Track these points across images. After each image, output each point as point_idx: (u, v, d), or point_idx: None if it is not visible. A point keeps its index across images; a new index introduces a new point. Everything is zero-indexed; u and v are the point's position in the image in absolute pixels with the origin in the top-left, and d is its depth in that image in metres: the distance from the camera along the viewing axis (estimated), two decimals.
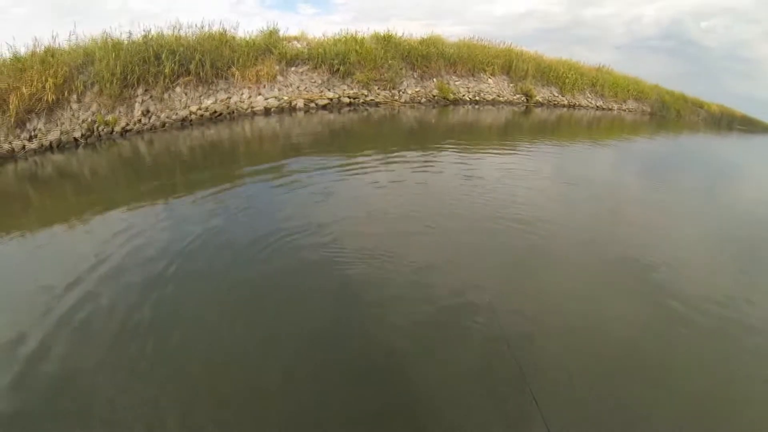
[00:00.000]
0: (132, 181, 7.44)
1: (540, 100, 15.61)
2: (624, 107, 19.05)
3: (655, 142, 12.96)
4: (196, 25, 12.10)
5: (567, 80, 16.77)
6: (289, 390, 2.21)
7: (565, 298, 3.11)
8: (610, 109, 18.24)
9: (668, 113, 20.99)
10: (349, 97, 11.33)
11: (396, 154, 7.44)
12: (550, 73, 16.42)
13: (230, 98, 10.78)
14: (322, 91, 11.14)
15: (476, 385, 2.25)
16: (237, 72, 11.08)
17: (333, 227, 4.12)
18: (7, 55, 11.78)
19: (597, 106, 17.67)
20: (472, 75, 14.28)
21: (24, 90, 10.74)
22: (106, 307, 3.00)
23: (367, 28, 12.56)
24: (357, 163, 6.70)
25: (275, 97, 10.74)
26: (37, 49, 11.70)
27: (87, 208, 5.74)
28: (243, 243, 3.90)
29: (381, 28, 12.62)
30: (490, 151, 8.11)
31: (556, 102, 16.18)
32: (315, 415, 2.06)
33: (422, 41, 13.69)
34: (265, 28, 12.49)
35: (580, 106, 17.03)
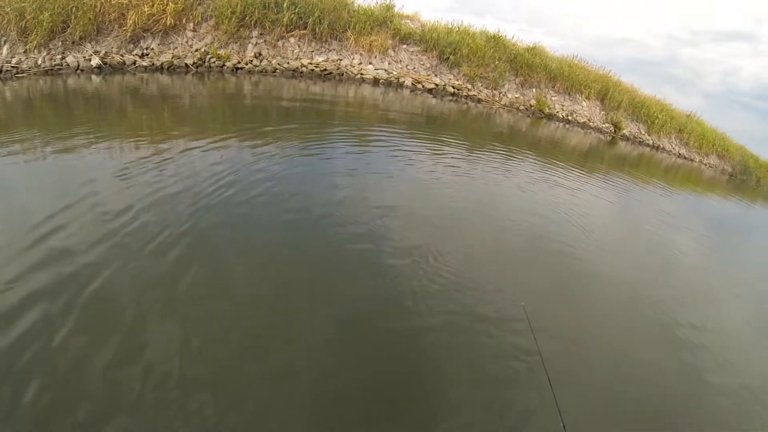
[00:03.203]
0: (224, 117, 7.62)
1: (627, 133, 15.23)
2: (705, 161, 18.39)
3: (727, 204, 12.55)
4: None
5: (657, 120, 16.29)
6: (313, 374, 2.20)
7: (600, 329, 3.16)
8: (692, 160, 17.65)
9: (749, 178, 20.14)
10: (453, 87, 11.35)
11: (479, 151, 7.50)
12: (642, 110, 15.98)
13: (341, 60, 10.96)
14: (429, 75, 11.19)
15: (505, 392, 2.31)
16: (352, 36, 11.22)
17: (386, 211, 4.12)
18: None
19: (679, 154, 17.12)
20: (569, 94, 14.04)
21: (145, 9, 11.15)
22: (151, 230, 3.10)
23: (461, 19, 12.44)
24: (439, 151, 6.77)
25: (385, 70, 10.86)
26: None
27: (172, 132, 5.96)
28: (293, 204, 3.96)
29: (476, 23, 12.52)
30: (566, 171, 8.05)
31: (641, 139, 15.76)
32: (335, 410, 2.06)
33: (528, 49, 13.51)
34: (380, 1, 12.54)
35: (663, 149, 16.55)
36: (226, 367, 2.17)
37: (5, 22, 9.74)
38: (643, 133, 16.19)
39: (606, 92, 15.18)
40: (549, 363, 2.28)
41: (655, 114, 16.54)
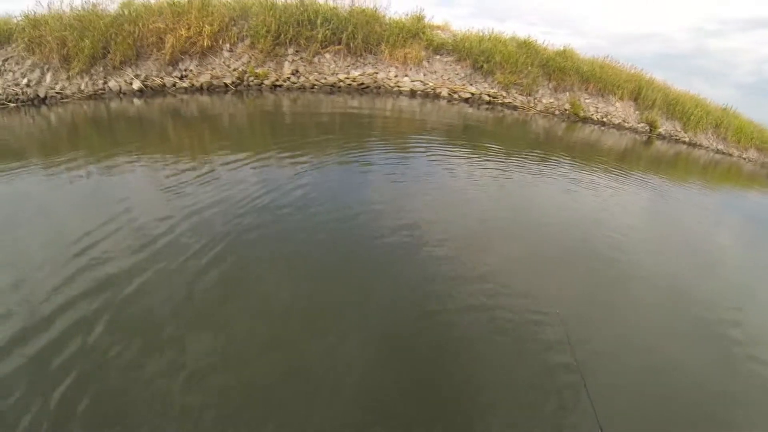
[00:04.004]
0: (263, 133, 7.78)
1: (662, 132, 14.91)
2: (744, 155, 17.82)
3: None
4: None
5: (692, 117, 15.88)
6: (353, 384, 2.23)
7: (639, 333, 3.07)
8: (730, 155, 17.12)
9: None
10: (488, 96, 11.37)
11: (515, 156, 7.49)
12: (676, 107, 15.61)
13: (377, 73, 11.12)
14: (464, 85, 11.25)
15: (539, 396, 2.29)
16: (386, 50, 11.38)
17: (424, 218, 4.14)
18: None
19: (717, 149, 16.63)
20: (602, 96, 13.85)
21: (183, 32, 11.53)
22: (188, 243, 3.18)
23: (484, 25, 12.45)
24: (476, 158, 6.80)
25: (421, 81, 10.97)
26: None
27: (211, 149, 6.08)
28: (324, 213, 4.01)
29: (498, 28, 12.51)
30: (602, 174, 7.95)
31: (677, 137, 15.39)
32: (374, 416, 2.09)
33: (559, 53, 13.41)
34: (410, 12, 12.67)
35: (700, 145, 16.11)
36: (261, 377, 2.22)
37: (47, 50, 10.17)
38: (678, 130, 15.81)
39: (639, 91, 14.91)
40: (587, 369, 2.35)
41: (690, 110, 16.13)
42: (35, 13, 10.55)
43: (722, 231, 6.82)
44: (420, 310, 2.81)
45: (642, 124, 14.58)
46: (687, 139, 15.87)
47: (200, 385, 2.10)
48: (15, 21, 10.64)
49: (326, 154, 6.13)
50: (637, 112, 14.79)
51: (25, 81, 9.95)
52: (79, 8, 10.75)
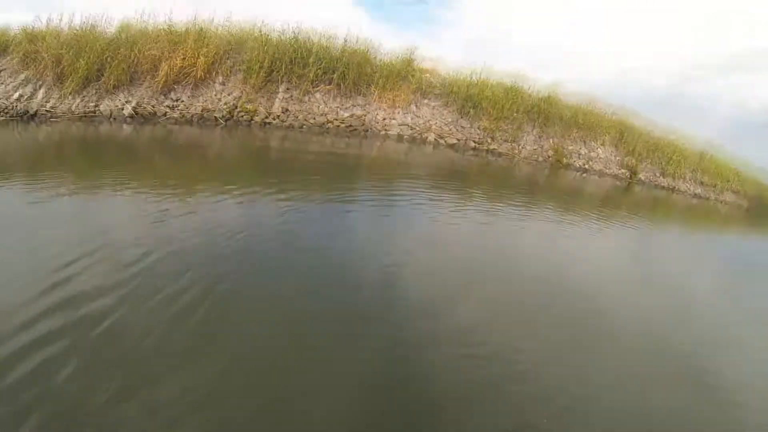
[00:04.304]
0: (250, 170, 7.76)
1: (642, 178, 15.39)
2: (721, 198, 18.47)
3: (745, 240, 12.58)
4: (336, 35, 12.68)
5: (671, 162, 16.49)
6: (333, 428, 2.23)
7: (616, 380, 3.07)
8: (707, 198, 17.73)
9: (766, 211, 20.15)
10: (474, 142, 11.63)
11: (499, 203, 7.65)
12: (656, 152, 16.20)
13: (366, 115, 11.32)
14: (450, 130, 11.51)
15: None
16: (375, 91, 11.62)
17: (404, 263, 4.16)
18: (163, 24, 12.79)
19: (695, 193, 17.23)
20: (584, 142, 14.30)
21: (178, 61, 11.61)
22: (166, 278, 3.13)
23: (471, 64, 12.77)
24: (460, 204, 6.93)
25: (408, 125, 11.19)
26: (192, 27, 12.57)
27: (197, 182, 6.04)
28: (306, 253, 4.01)
29: (485, 66, 12.82)
30: (583, 219, 8.10)
31: (656, 183, 15.90)
32: None
33: (543, 99, 13.87)
34: (400, 49, 12.96)
35: (678, 190, 16.66)
36: (238, 419, 2.17)
37: (42, 66, 10.13)
38: (658, 176, 16.34)
39: (620, 137, 15.45)
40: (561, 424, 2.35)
41: (669, 156, 16.75)
42: (33, 27, 10.54)
43: (700, 274, 6.95)
44: (397, 356, 2.81)
45: (623, 170, 15.04)
46: (666, 184, 16.40)
47: (175, 427, 2.05)
48: (12, 33, 10.61)
49: (312, 193, 6.17)
50: (618, 158, 15.27)
51: (17, 95, 9.89)
52: (78, 27, 10.77)
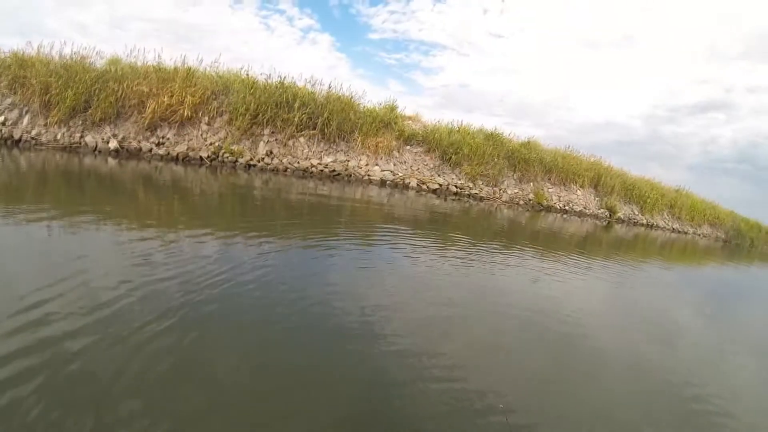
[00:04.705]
0: (232, 211, 7.72)
1: (621, 216, 15.79)
2: (699, 232, 18.97)
3: (725, 270, 12.85)
4: (322, 83, 13.13)
5: (648, 200, 17.01)
6: None
7: (596, 412, 3.05)
8: (685, 233, 18.19)
9: (743, 241, 20.70)
10: (456, 187, 11.83)
11: (480, 246, 7.71)
12: (633, 191, 16.73)
13: (349, 161, 11.47)
14: (432, 176, 11.71)
15: None
16: (359, 138, 11.85)
17: (385, 307, 4.20)
18: (152, 62, 13.05)
19: (673, 229, 17.69)
20: (564, 184, 14.70)
21: (165, 99, 11.75)
22: (139, 317, 3.08)
23: (451, 116, 13.39)
24: (441, 248, 6.95)
25: (390, 171, 11.36)
26: (181, 67, 12.82)
27: (178, 221, 6.04)
28: (290, 299, 4.00)
29: (465, 119, 13.39)
30: (564, 260, 8.20)
31: (635, 220, 16.32)
32: None
33: (523, 144, 14.33)
34: (383, 101, 13.40)
35: (657, 226, 17.10)
36: None
37: (30, 92, 10.14)
38: (636, 213, 16.79)
39: (599, 179, 15.94)
40: None
41: (647, 194, 17.30)
42: (24, 52, 10.61)
43: (682, 307, 7.00)
44: (375, 398, 2.79)
45: (602, 210, 15.41)
46: (644, 221, 16.83)
47: None
48: (2, 56, 10.66)
49: (292, 237, 6.16)
50: (597, 199, 15.69)
51: (1, 119, 9.85)
52: (68, 57, 10.90)
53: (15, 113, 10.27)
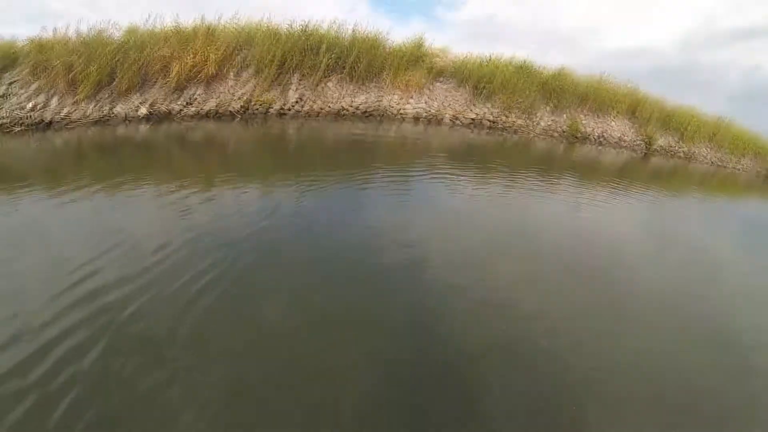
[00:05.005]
0: (268, 159, 7.90)
1: (659, 147, 15.24)
2: (739, 165, 18.19)
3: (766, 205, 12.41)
4: (348, 26, 12.77)
5: (688, 130, 16.26)
6: (356, 411, 2.25)
7: (642, 348, 3.05)
8: (725, 166, 17.48)
9: None
10: (489, 119, 11.66)
11: (516, 178, 7.63)
12: (672, 121, 15.99)
13: (381, 100, 11.40)
14: (465, 110, 11.54)
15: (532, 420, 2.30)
16: (388, 77, 11.68)
17: (425, 241, 4.20)
18: (170, 25, 12.91)
19: (712, 161, 17.00)
20: (599, 114, 14.19)
21: (188, 60, 11.75)
22: (184, 268, 3.24)
23: (475, 49, 12.81)
24: (478, 181, 6.99)
25: (423, 107, 11.26)
26: (200, 26, 12.67)
27: (215, 176, 6.12)
28: (331, 239, 4.04)
29: (489, 51, 12.81)
30: (601, 191, 8.08)
31: (673, 151, 15.73)
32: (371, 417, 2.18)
33: (555, 74, 13.77)
34: (409, 38, 12.99)
35: (696, 158, 16.46)
36: (260, 398, 2.24)
37: (53, 75, 10.28)
38: (674, 144, 16.16)
39: (635, 108, 15.27)
40: (589, 392, 2.41)
41: (686, 124, 16.52)
42: (41, 37, 10.70)
43: (723, 240, 6.93)
44: (420, 340, 2.84)
45: (639, 141, 14.90)
46: (683, 153, 16.21)
47: (200, 408, 2.15)
48: (20, 45, 10.76)
49: (330, 178, 6.28)
50: (633, 129, 15.13)
51: (30, 105, 10.09)
52: (85, 34, 10.93)
53: (42, 97, 10.26)
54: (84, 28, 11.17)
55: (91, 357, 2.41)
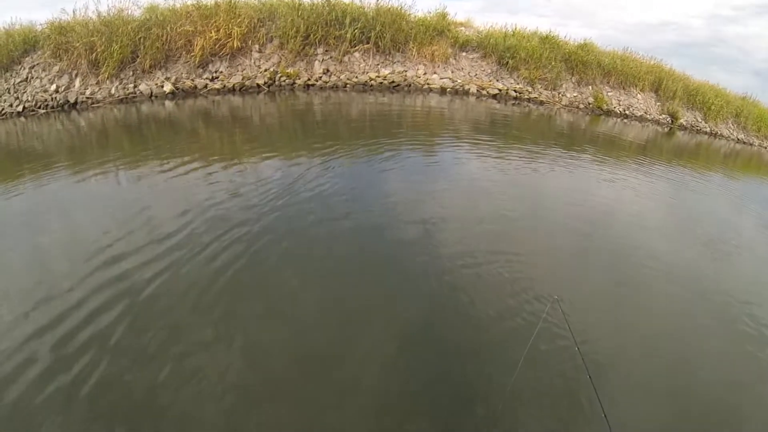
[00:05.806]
0: (294, 131, 7.93)
1: (684, 123, 15.07)
2: (765, 144, 17.89)
3: None
4: None
5: (713, 107, 16.00)
6: (376, 382, 2.25)
7: (653, 322, 3.03)
8: (751, 144, 17.21)
9: None
10: (515, 91, 11.65)
11: (540, 151, 7.63)
12: (696, 97, 15.74)
13: (406, 71, 11.43)
14: (491, 81, 11.54)
15: (546, 393, 2.30)
16: (413, 48, 11.67)
17: (446, 215, 4.19)
18: (191, 1, 12.82)
19: (738, 139, 16.74)
20: (623, 88, 14.04)
21: (211, 34, 11.77)
22: (207, 238, 3.26)
23: (496, 19, 12.66)
24: (502, 153, 7.00)
25: (449, 78, 11.28)
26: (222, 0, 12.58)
27: (241, 149, 6.17)
28: (353, 211, 4.03)
29: (510, 21, 12.66)
30: (625, 166, 7.96)
31: (698, 128, 15.54)
32: (388, 397, 2.17)
33: (580, 47, 13.61)
34: (432, 10, 12.89)
35: (721, 135, 16.23)
36: (281, 376, 2.24)
37: (75, 56, 10.33)
38: (699, 121, 15.94)
39: (659, 83, 15.06)
40: (597, 362, 2.38)
41: (711, 100, 16.24)
42: (60, 20, 10.71)
43: (744, 220, 6.84)
44: (437, 310, 2.85)
45: (664, 116, 14.75)
46: (708, 129, 16.00)
47: (220, 382, 2.19)
48: (39, 29, 10.80)
49: (355, 148, 6.35)
50: (658, 104, 14.96)
51: (53, 87, 10.14)
52: (105, 14, 10.93)
53: (65, 79, 10.24)
54: (103, 9, 11.08)
55: (117, 332, 2.45)
